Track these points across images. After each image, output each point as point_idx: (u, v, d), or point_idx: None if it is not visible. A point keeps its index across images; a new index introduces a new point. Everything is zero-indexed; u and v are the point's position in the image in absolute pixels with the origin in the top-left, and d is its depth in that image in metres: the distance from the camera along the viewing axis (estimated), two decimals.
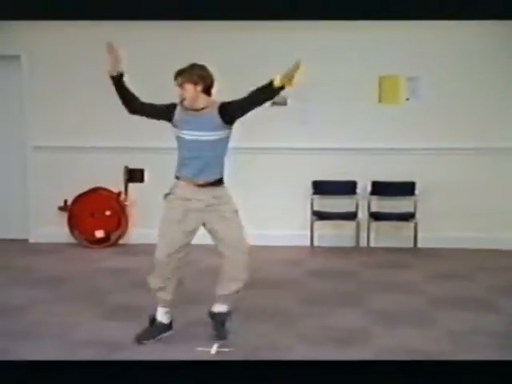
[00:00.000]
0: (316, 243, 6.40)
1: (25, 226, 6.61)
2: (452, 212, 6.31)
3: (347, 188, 6.34)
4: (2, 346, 3.71)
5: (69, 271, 5.47)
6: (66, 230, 6.45)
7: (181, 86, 3.64)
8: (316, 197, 6.39)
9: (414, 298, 4.70)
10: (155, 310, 3.85)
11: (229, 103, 3.69)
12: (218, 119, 3.66)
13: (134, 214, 6.46)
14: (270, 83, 3.56)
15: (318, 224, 6.37)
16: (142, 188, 6.44)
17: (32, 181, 6.59)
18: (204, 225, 3.78)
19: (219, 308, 3.84)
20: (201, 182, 3.70)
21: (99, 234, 6.40)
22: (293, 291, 4.86)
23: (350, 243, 6.39)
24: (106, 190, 6.45)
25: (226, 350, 3.66)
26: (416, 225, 6.24)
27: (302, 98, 6.30)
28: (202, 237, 3.87)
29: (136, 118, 6.53)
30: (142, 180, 6.50)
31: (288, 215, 6.42)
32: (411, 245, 6.29)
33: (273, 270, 5.55)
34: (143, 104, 3.78)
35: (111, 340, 3.82)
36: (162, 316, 3.83)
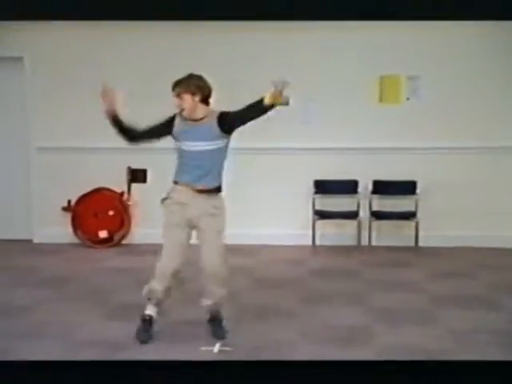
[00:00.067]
0: (318, 242, 6.42)
1: (29, 227, 6.65)
2: (453, 211, 6.33)
3: (349, 187, 6.36)
4: (5, 345, 3.74)
5: (72, 271, 5.50)
6: (70, 230, 6.48)
7: (179, 96, 3.68)
8: (317, 196, 6.42)
9: (416, 296, 4.72)
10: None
11: (227, 113, 3.72)
12: (216, 129, 3.70)
13: (136, 214, 6.49)
14: (261, 100, 3.57)
15: (320, 223, 6.40)
16: (144, 188, 6.47)
17: (36, 181, 6.63)
18: (196, 228, 3.81)
19: (210, 314, 3.90)
20: (199, 187, 3.73)
21: (102, 234, 6.43)
22: (295, 290, 4.88)
23: (351, 242, 6.41)
24: (109, 190, 6.48)
25: (229, 349, 3.68)
26: (417, 224, 6.26)
27: (304, 99, 6.34)
28: None
29: (138, 118, 6.60)
30: (144, 180, 6.53)
31: (290, 215, 6.45)
32: (412, 243, 6.31)
33: (275, 269, 5.58)
34: (141, 131, 3.84)
35: (114, 340, 3.84)
36: (151, 310, 3.86)
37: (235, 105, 6.01)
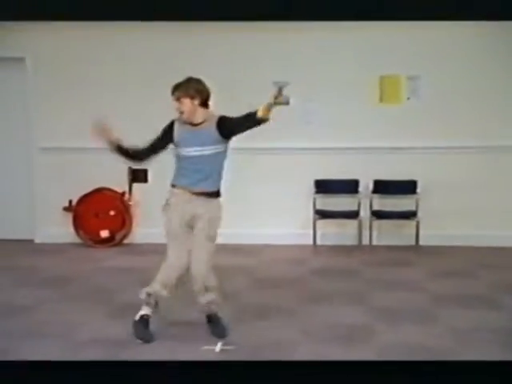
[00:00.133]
0: (319, 242, 6.44)
1: (30, 227, 6.67)
2: (454, 210, 6.33)
3: (349, 187, 6.37)
4: (8, 345, 3.76)
5: (74, 271, 5.52)
6: (71, 230, 6.50)
7: (178, 100, 3.70)
8: (318, 196, 6.43)
9: (417, 295, 4.73)
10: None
11: (227, 118, 3.73)
12: (215, 133, 3.72)
13: (138, 214, 6.51)
14: (256, 112, 3.58)
15: (321, 223, 6.41)
16: (145, 188, 6.49)
17: (37, 181, 6.65)
18: (192, 225, 3.84)
19: (208, 312, 3.92)
20: (197, 190, 3.76)
21: (104, 233, 6.45)
22: (296, 290, 4.90)
23: (352, 242, 6.43)
24: (110, 190, 6.50)
25: (231, 347, 3.70)
26: (418, 223, 6.28)
27: (305, 99, 6.36)
28: None
29: (139, 118, 6.62)
30: (145, 180, 6.55)
31: (290, 214, 6.46)
32: (413, 243, 6.33)
33: (276, 269, 5.59)
34: (145, 149, 3.86)
35: (117, 339, 3.86)
36: (149, 311, 3.88)
37: (235, 105, 6.04)
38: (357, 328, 4.05)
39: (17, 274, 5.39)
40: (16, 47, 6.43)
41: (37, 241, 6.65)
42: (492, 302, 4.57)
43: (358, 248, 6.35)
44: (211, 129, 3.72)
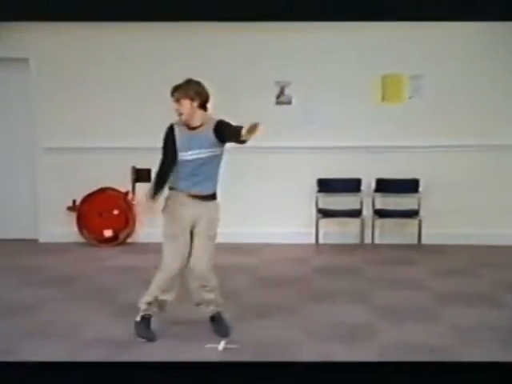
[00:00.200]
0: (321, 241, 6.46)
1: (35, 226, 6.71)
2: (456, 209, 6.35)
3: (352, 186, 6.39)
4: (12, 344, 3.78)
5: (78, 270, 5.54)
6: (75, 229, 6.54)
7: (177, 101, 3.71)
8: (321, 195, 6.45)
9: (419, 294, 4.74)
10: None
11: (224, 124, 3.71)
12: (213, 137, 3.73)
13: (141, 213, 6.53)
14: (241, 129, 3.55)
15: (323, 222, 6.43)
16: (149, 187, 6.51)
17: (41, 181, 6.69)
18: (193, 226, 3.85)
19: (209, 312, 3.94)
20: (194, 193, 3.78)
21: (108, 233, 6.49)
22: (298, 288, 4.92)
23: (354, 240, 6.45)
24: (113, 189, 6.53)
25: (234, 346, 3.72)
26: (420, 222, 6.29)
27: (307, 99, 6.39)
28: None
29: (143, 118, 6.64)
30: (149, 180, 6.52)
31: (293, 213, 6.49)
32: (415, 241, 6.34)
33: (278, 268, 5.61)
34: (169, 166, 3.80)
35: (121, 338, 3.87)
36: (151, 311, 3.90)
37: (236, 105, 6.08)
38: (359, 326, 4.06)
39: (21, 273, 5.42)
40: (19, 48, 6.47)
41: (41, 240, 6.68)
42: (493, 300, 4.58)
43: (361, 247, 6.37)
44: (209, 132, 3.73)
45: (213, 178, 3.84)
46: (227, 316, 3.97)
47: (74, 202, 6.56)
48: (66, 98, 6.58)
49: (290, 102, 6.48)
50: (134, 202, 6.53)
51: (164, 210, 3.87)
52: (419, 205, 6.32)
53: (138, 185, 6.56)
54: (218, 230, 3.90)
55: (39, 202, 6.71)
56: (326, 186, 6.44)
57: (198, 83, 3.77)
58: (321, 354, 3.61)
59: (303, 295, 4.72)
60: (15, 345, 3.77)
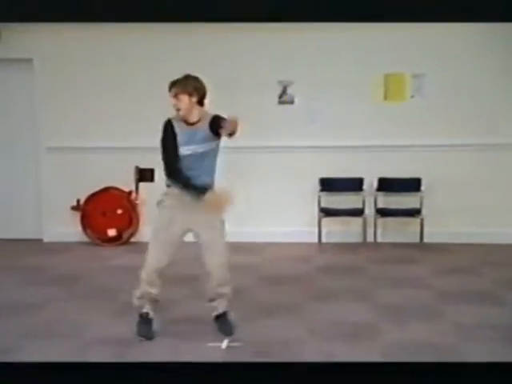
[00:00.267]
0: (324, 239, 6.48)
1: (39, 226, 6.74)
2: (458, 207, 6.36)
3: (354, 185, 6.41)
4: (16, 343, 3.80)
5: (82, 269, 5.58)
6: (79, 228, 6.57)
7: (175, 96, 3.71)
8: (323, 194, 6.47)
9: (421, 292, 4.76)
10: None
11: (219, 119, 3.71)
12: (209, 131, 3.75)
13: (144, 213, 6.56)
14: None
15: (326, 220, 6.45)
16: (152, 187, 6.53)
17: (45, 181, 6.71)
18: (192, 231, 3.86)
19: (216, 311, 3.95)
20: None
21: (111, 232, 6.52)
22: (301, 287, 4.94)
23: (357, 239, 6.46)
24: (117, 189, 6.56)
25: (237, 344, 3.74)
26: (422, 220, 6.31)
27: (309, 98, 6.41)
28: None
29: (146, 118, 6.66)
30: (152, 179, 6.59)
31: (296, 212, 6.51)
32: (417, 240, 6.36)
33: (281, 267, 5.63)
34: (177, 161, 3.79)
35: (124, 337, 3.90)
36: (149, 308, 3.94)
37: (238, 104, 6.09)
38: (362, 325, 4.08)
39: (25, 272, 5.45)
40: (23, 49, 6.49)
41: (45, 240, 6.71)
42: (495, 298, 4.59)
43: (363, 245, 6.39)
44: (205, 127, 3.74)
45: (210, 171, 3.85)
46: (232, 315, 3.99)
47: (78, 201, 6.59)
48: (70, 98, 6.61)
49: (292, 102, 6.50)
50: (137, 202, 6.56)
51: (159, 204, 3.87)
52: (421, 203, 6.33)
53: (142, 184, 6.60)
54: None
55: (43, 201, 6.75)
56: (329, 185, 6.46)
57: (196, 78, 3.78)
58: (323, 352, 3.63)
59: (306, 294, 4.74)
60: (18, 344, 3.80)
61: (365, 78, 6.33)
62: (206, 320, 4.02)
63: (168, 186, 3.87)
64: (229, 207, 3.68)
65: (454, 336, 3.87)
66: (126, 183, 6.51)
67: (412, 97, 6.39)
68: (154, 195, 6.41)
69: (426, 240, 6.33)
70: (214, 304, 3.93)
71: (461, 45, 6.29)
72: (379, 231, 6.46)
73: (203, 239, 3.83)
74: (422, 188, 6.35)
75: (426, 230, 6.32)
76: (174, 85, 3.75)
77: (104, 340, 3.87)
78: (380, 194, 6.45)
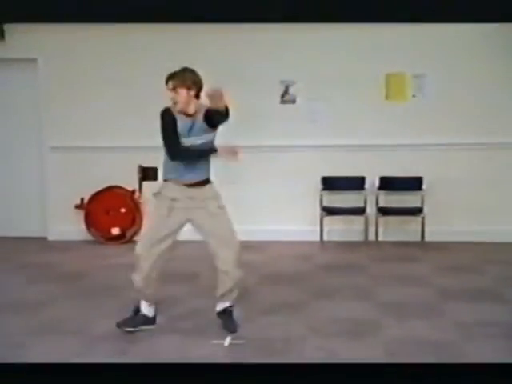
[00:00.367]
0: (325, 238, 6.51)
1: (43, 225, 6.80)
2: (459, 206, 6.40)
3: (356, 183, 6.44)
4: (22, 341, 3.83)
5: (86, 267, 5.61)
6: (83, 227, 6.62)
7: (174, 89, 3.71)
8: (325, 192, 6.51)
9: (423, 290, 4.78)
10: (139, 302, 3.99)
11: (212, 110, 3.70)
12: (204, 123, 3.76)
13: (147, 212, 6.60)
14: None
15: (328, 219, 6.49)
16: (155, 186, 6.57)
17: (49, 180, 6.77)
18: (191, 222, 3.88)
19: (222, 306, 3.97)
20: (188, 182, 3.80)
21: (115, 231, 6.56)
22: (303, 285, 4.96)
23: (358, 238, 6.50)
24: (120, 188, 6.60)
25: (240, 342, 3.77)
26: (423, 219, 6.34)
27: (311, 97, 6.44)
28: None
29: (149, 117, 6.70)
30: (155, 178, 6.60)
31: (298, 211, 6.54)
32: (419, 238, 6.39)
33: (283, 265, 5.66)
34: (179, 142, 3.79)
35: (127, 333, 3.91)
36: (146, 309, 3.95)
37: (240, 104, 6.12)
38: (364, 323, 4.09)
39: (30, 271, 5.50)
40: (28, 48, 6.54)
41: (50, 238, 6.76)
42: (497, 296, 4.61)
43: (365, 244, 6.42)
44: (201, 118, 3.76)
45: (205, 164, 3.85)
46: (236, 312, 4.02)
47: (82, 200, 6.64)
48: (74, 98, 6.65)
49: (294, 101, 6.53)
50: (140, 201, 6.61)
51: (156, 195, 3.88)
52: (422, 202, 6.36)
53: (145, 183, 6.63)
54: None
55: (47, 200, 6.80)
56: (331, 184, 6.49)
57: (193, 71, 3.77)
58: (325, 350, 3.65)
59: (308, 292, 4.77)
60: (25, 341, 3.83)
61: (366, 78, 6.36)
62: (208, 317, 4.05)
63: (165, 180, 3.87)
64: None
65: (456, 334, 3.88)
66: (130, 182, 6.55)
67: (413, 97, 6.42)
68: None
69: (427, 238, 6.36)
70: (223, 299, 3.94)
71: (461, 45, 6.31)
72: (381, 230, 6.49)
73: (205, 229, 3.84)
74: (424, 187, 6.38)
75: (427, 228, 6.35)
76: (171, 78, 3.74)
77: (109, 336, 3.90)
78: (381, 192, 6.48)
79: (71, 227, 6.67)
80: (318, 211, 6.47)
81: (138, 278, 3.89)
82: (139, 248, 3.85)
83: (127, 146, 6.57)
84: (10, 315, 4.33)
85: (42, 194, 6.82)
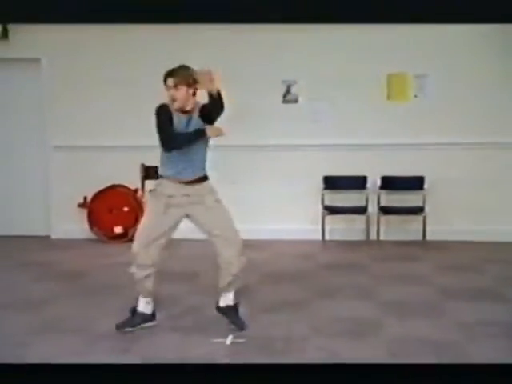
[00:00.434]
0: (327, 237, 6.53)
1: (47, 223, 6.83)
2: (460, 205, 6.41)
3: (357, 183, 6.46)
4: (25, 339, 3.85)
5: (89, 266, 5.64)
6: (86, 226, 6.65)
7: (175, 86, 3.71)
8: (327, 192, 6.53)
9: (424, 289, 4.79)
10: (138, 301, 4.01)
11: (206, 106, 3.73)
12: (200, 120, 3.77)
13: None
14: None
15: (329, 218, 6.51)
16: None
17: (52, 179, 6.80)
18: (189, 218, 3.89)
19: (226, 301, 3.96)
20: (185, 179, 3.81)
21: (118, 229, 6.59)
22: (305, 284, 4.97)
23: (360, 237, 6.51)
24: (123, 186, 6.63)
25: (241, 340, 3.78)
26: (425, 218, 6.35)
27: (312, 97, 6.46)
28: None
29: (151, 116, 6.72)
30: (157, 177, 6.66)
31: (299, 210, 6.56)
32: (420, 238, 6.40)
33: (285, 264, 5.68)
34: (174, 133, 3.81)
35: (129, 332, 3.94)
36: (144, 307, 3.96)
37: (242, 103, 6.14)
38: (365, 322, 4.10)
39: (33, 269, 5.52)
40: (31, 48, 6.57)
41: (53, 237, 6.80)
42: (497, 295, 4.62)
43: (366, 243, 6.43)
44: (196, 115, 3.77)
45: (200, 161, 3.86)
46: (241, 311, 4.04)
47: (85, 199, 6.67)
48: (77, 98, 6.68)
49: (296, 101, 6.56)
50: (143, 199, 6.63)
51: (152, 192, 3.89)
52: (424, 202, 6.37)
53: (147, 182, 6.65)
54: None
55: (51, 199, 6.83)
56: (332, 183, 6.51)
57: (190, 68, 3.77)
58: (327, 349, 3.66)
59: (309, 291, 4.78)
60: (29, 339, 3.85)
61: (368, 78, 6.38)
62: (208, 315, 4.07)
63: (161, 176, 3.88)
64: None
65: (457, 333, 3.88)
66: (132, 181, 6.56)
67: (415, 96, 6.43)
68: None
69: (428, 238, 6.37)
70: (224, 294, 3.95)
71: (463, 45, 6.33)
72: (382, 229, 6.50)
73: (204, 223, 3.85)
74: (425, 186, 6.39)
75: (428, 227, 6.36)
76: (171, 75, 3.74)
77: (109, 335, 3.92)
78: (383, 192, 6.49)
79: (74, 226, 6.70)
80: (319, 210, 6.49)
81: (136, 270, 3.89)
82: (136, 246, 3.85)
83: (130, 145, 6.60)
84: (12, 313, 4.35)
85: (45, 193, 6.85)
